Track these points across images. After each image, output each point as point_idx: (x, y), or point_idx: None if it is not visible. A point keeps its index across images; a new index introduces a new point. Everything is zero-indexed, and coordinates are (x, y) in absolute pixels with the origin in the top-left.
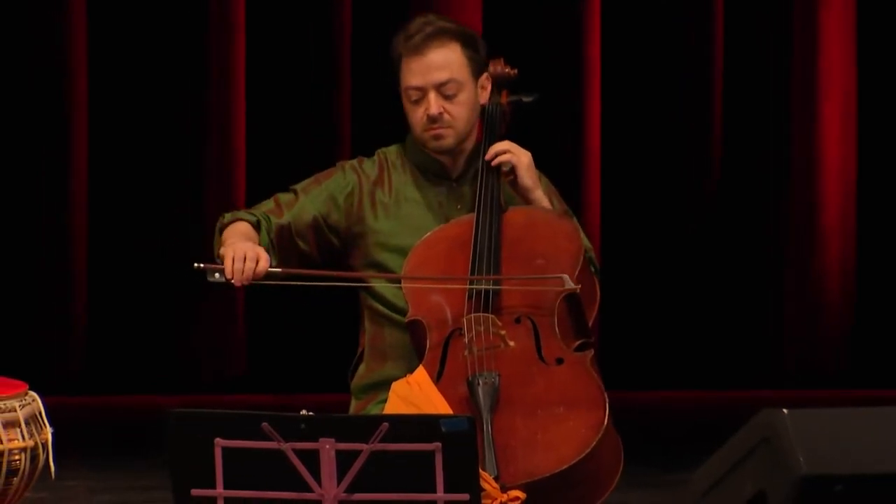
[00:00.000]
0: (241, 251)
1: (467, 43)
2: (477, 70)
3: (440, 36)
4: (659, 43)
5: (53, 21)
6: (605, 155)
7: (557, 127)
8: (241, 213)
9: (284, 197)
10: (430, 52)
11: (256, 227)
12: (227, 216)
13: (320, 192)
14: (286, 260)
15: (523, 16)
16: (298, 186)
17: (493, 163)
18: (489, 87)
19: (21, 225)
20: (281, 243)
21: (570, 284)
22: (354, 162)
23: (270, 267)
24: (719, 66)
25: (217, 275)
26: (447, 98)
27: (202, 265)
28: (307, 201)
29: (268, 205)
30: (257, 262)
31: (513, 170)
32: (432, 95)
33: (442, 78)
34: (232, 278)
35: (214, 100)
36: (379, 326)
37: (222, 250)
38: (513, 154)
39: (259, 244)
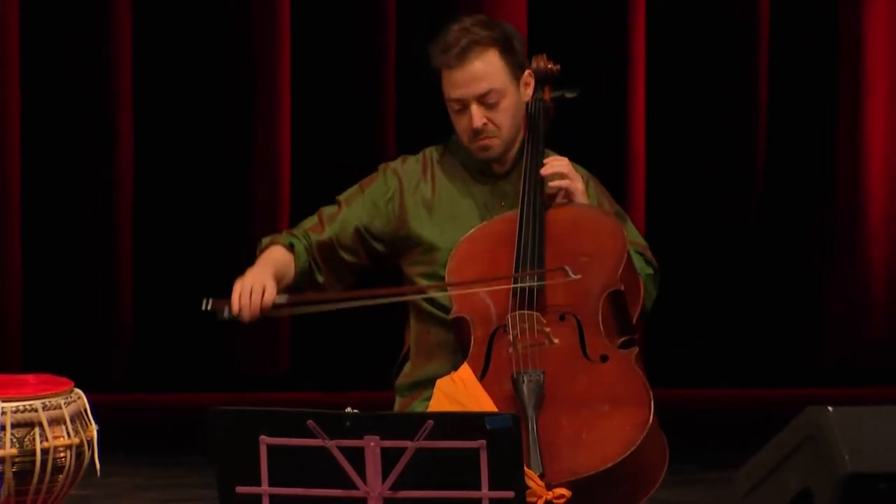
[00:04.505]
0: (249, 284)
1: (504, 47)
2: (517, 71)
3: (476, 46)
4: (704, 41)
5: (98, 25)
6: (650, 153)
7: (602, 125)
8: (278, 237)
9: (328, 210)
10: (467, 64)
11: (290, 249)
12: (266, 240)
13: (363, 200)
14: (337, 273)
15: (568, 12)
16: (343, 196)
17: (552, 185)
18: (532, 83)
19: (66, 224)
20: (326, 259)
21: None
22: (397, 163)
23: (278, 297)
24: (764, 64)
25: (225, 312)
26: (489, 107)
27: (210, 306)
28: (349, 213)
29: (311, 221)
30: (263, 293)
31: (567, 195)
32: (474, 107)
33: (482, 89)
34: (240, 313)
35: (260, 102)
36: (424, 325)
37: (235, 283)
38: (571, 181)
39: (294, 267)
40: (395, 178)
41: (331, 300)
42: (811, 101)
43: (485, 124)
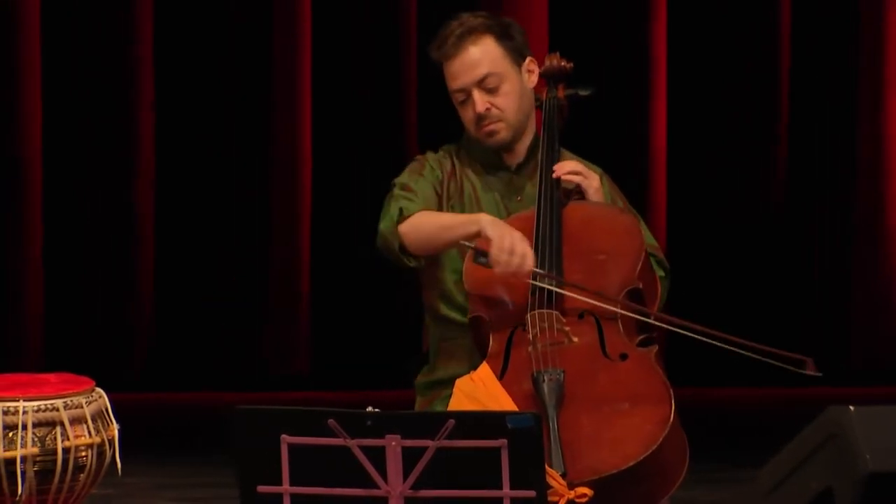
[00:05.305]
0: (510, 244)
1: (500, 33)
2: (517, 57)
3: (470, 34)
4: (725, 38)
5: (120, 29)
6: (671, 152)
7: (623, 123)
8: (411, 206)
9: (402, 194)
10: (463, 51)
11: None
12: (404, 208)
13: (426, 184)
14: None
15: (589, 11)
16: (406, 181)
17: (564, 179)
18: (536, 70)
19: (87, 224)
20: None
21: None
22: (431, 154)
23: (535, 267)
24: (785, 63)
25: (482, 259)
26: (491, 92)
27: (474, 246)
28: (425, 192)
29: (402, 199)
30: (524, 259)
31: (580, 190)
32: (475, 93)
33: (480, 74)
34: (496, 268)
35: (281, 101)
36: (442, 328)
37: (489, 231)
38: (584, 178)
39: None
40: (438, 167)
41: (573, 285)
42: (832, 100)
43: (488, 109)
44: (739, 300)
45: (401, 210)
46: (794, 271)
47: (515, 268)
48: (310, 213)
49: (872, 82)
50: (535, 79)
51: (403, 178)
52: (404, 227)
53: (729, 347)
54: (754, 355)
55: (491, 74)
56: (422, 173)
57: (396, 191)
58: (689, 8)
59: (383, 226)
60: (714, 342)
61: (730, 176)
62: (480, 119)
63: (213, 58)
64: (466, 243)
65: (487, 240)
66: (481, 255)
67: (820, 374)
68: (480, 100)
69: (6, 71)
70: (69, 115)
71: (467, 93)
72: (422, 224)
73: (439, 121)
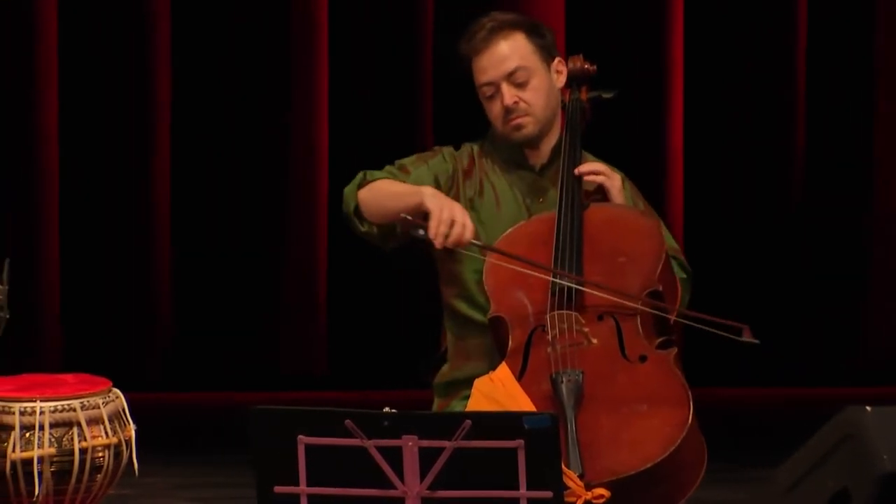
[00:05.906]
0: (449, 215)
1: (531, 30)
2: (546, 55)
3: (501, 29)
4: (741, 40)
5: (136, 28)
6: (688, 154)
7: (639, 125)
8: (380, 174)
9: (393, 169)
10: (493, 45)
11: None
12: (369, 173)
13: (428, 171)
14: (392, 230)
15: (606, 12)
16: (406, 162)
17: (587, 179)
18: (564, 71)
19: (105, 224)
20: None
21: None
22: (450, 148)
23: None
24: (802, 66)
25: (421, 231)
26: (519, 86)
27: (409, 217)
28: (418, 178)
29: (389, 172)
30: (464, 230)
31: (603, 191)
32: (504, 87)
33: (510, 67)
34: (435, 240)
35: (297, 99)
36: (461, 328)
37: (428, 203)
38: (606, 177)
39: None
40: (453, 161)
41: (515, 257)
42: (848, 100)
43: (516, 103)
44: (755, 298)
45: (365, 175)
46: (809, 270)
47: (454, 239)
48: (327, 213)
49: (888, 83)
50: (563, 79)
51: (407, 160)
52: (363, 192)
53: (667, 316)
54: (691, 323)
55: (520, 69)
56: (428, 161)
57: (388, 166)
58: (705, 10)
59: (347, 188)
60: (652, 311)
61: (747, 177)
62: (508, 112)
63: (229, 57)
64: (407, 216)
65: (427, 211)
66: (419, 227)
67: (757, 342)
68: (509, 93)
69: (23, 73)
70: (86, 115)
71: (496, 86)
72: (378, 190)
73: (456, 120)
